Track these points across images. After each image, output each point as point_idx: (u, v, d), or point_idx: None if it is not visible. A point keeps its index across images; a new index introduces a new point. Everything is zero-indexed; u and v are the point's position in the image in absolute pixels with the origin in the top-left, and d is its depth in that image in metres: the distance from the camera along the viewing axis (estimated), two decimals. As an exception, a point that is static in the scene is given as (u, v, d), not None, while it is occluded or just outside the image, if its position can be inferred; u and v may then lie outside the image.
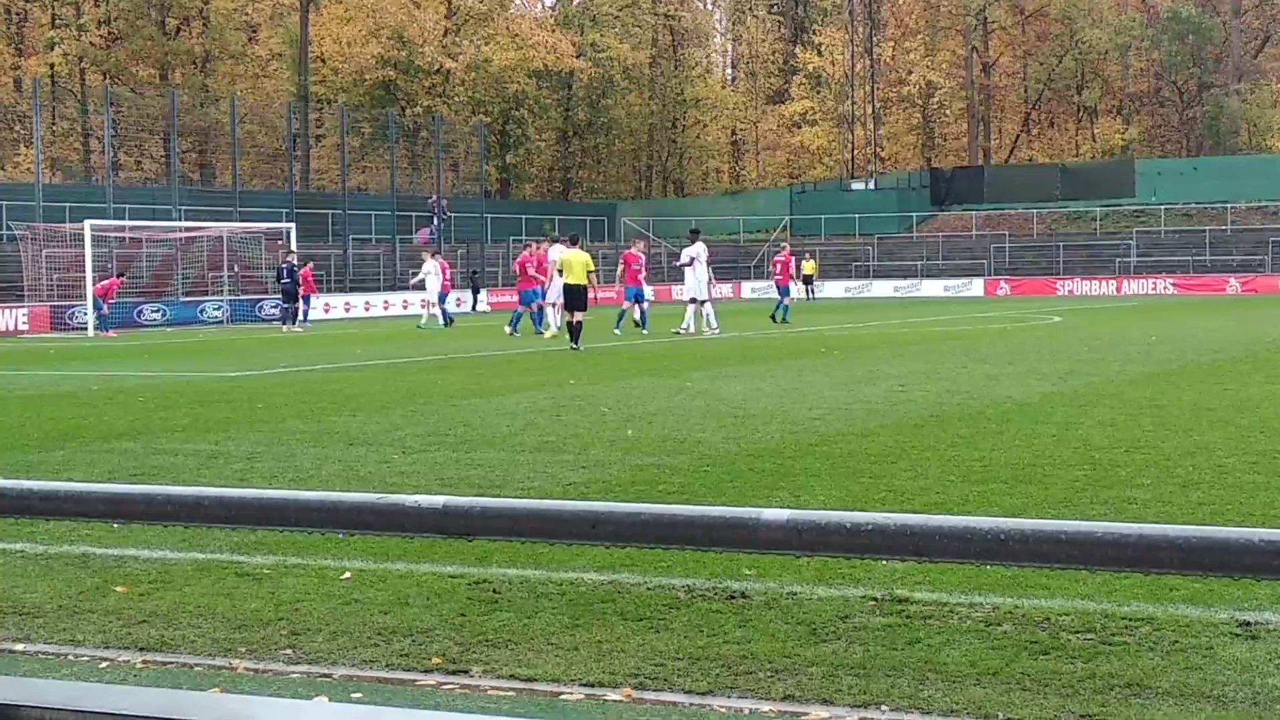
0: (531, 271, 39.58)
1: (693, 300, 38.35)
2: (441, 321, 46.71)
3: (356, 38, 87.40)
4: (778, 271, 46.09)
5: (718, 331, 37.51)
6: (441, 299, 47.47)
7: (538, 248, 40.87)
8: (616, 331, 37.08)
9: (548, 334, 37.68)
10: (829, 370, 24.22)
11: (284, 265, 49.22)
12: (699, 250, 38.50)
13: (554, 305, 38.52)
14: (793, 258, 48.19)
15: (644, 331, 37.84)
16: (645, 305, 39.34)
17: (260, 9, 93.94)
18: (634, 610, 7.67)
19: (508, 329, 38.97)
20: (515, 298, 41.59)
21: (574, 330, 32.13)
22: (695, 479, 12.12)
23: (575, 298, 32.88)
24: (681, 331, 37.33)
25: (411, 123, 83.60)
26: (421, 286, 48.40)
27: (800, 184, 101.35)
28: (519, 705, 6.30)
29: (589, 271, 33.50)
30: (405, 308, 61.51)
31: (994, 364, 24.95)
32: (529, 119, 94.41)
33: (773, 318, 43.76)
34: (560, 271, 34.84)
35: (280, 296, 49.74)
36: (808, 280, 74.08)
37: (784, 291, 45.20)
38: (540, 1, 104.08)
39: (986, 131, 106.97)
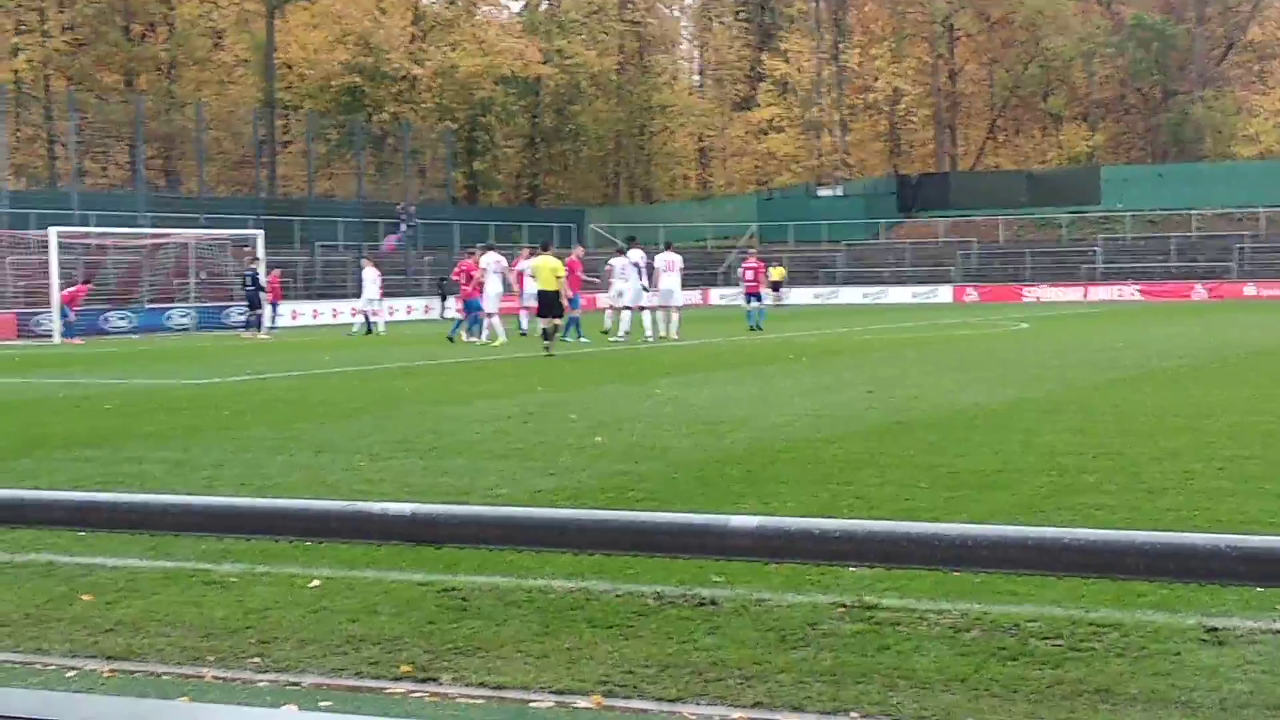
0: (478, 277, 39.43)
1: (639, 307, 38.55)
2: (360, 328, 46.92)
3: (323, 44, 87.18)
4: (750, 279, 45.27)
5: (622, 339, 37.30)
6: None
7: (476, 254, 40.85)
8: (584, 340, 37.04)
9: (471, 339, 37.82)
10: (797, 377, 24.25)
11: (247, 272, 49.25)
12: (639, 256, 38.83)
13: (490, 315, 38.43)
14: (764, 264, 47.62)
15: (581, 340, 37.40)
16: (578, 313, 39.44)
17: (226, 15, 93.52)
18: (603, 617, 7.67)
19: (475, 339, 38.80)
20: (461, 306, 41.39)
21: (547, 334, 32.29)
22: (664, 486, 12.12)
23: (546, 303, 32.93)
24: (649, 338, 37.36)
25: (378, 129, 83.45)
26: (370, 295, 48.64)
27: (768, 190, 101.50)
28: (488, 713, 6.29)
29: (558, 277, 33.48)
30: (374, 315, 61.33)
31: (961, 370, 25.01)
32: (496, 125, 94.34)
33: (758, 326, 43.26)
34: (533, 277, 34.90)
35: (256, 303, 49.58)
36: (776, 286, 74.12)
37: (756, 298, 44.76)
38: (507, 8, 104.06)
39: (953, 138, 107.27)
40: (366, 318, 48.18)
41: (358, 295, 63.11)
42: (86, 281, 49.87)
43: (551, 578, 8.51)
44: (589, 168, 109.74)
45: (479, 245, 44.91)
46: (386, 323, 47.54)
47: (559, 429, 16.53)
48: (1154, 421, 16.15)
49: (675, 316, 39.42)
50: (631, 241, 40.77)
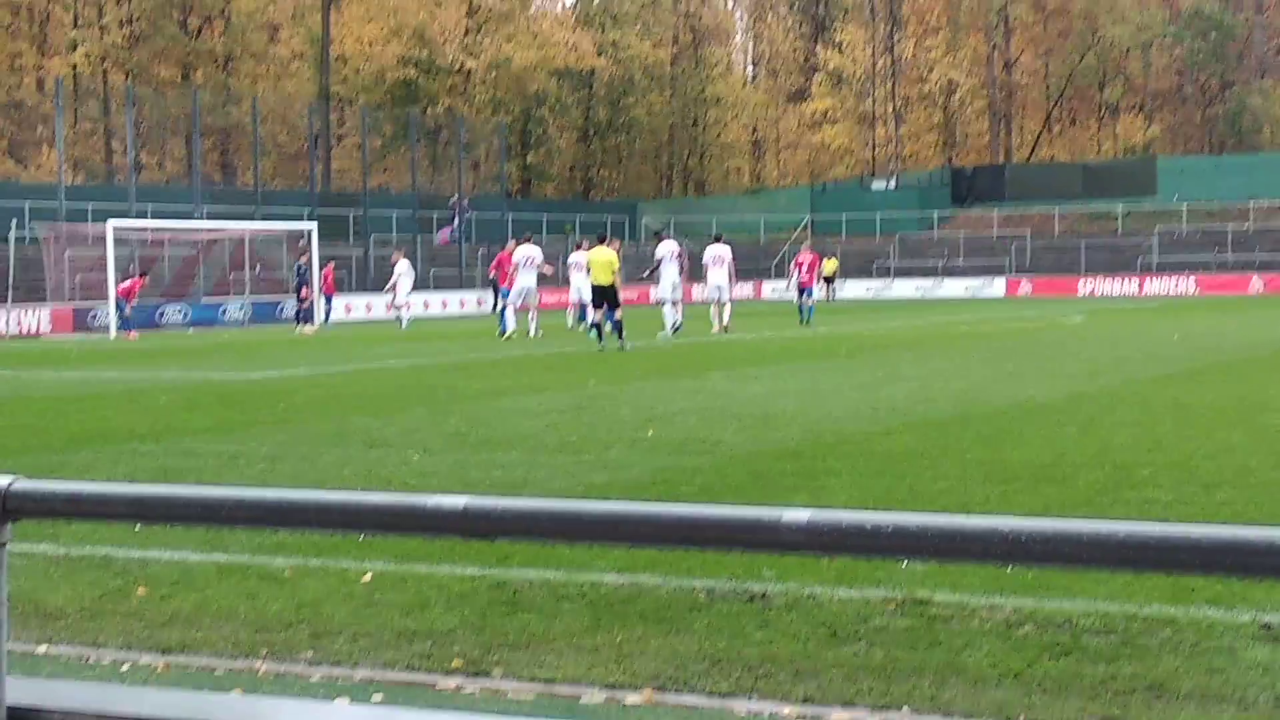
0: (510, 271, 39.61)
1: (658, 301, 38.54)
2: (410, 321, 47.12)
3: (378, 37, 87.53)
4: (804, 272, 44.83)
5: (668, 336, 36.73)
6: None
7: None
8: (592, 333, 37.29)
9: (507, 336, 37.65)
10: (850, 370, 24.20)
11: (296, 265, 49.69)
12: (664, 250, 38.83)
13: (515, 307, 38.45)
14: (819, 258, 46.74)
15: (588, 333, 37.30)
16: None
17: (282, 9, 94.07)
18: (655, 612, 7.67)
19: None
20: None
21: (616, 328, 31.81)
22: (716, 479, 12.11)
23: (602, 296, 32.64)
24: (668, 334, 37.07)
25: (432, 122, 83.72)
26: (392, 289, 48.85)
27: (821, 183, 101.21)
28: (540, 707, 6.31)
29: (615, 270, 33.16)
30: (426, 308, 61.55)
31: (1015, 364, 24.90)
32: (550, 118, 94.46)
33: (806, 323, 42.86)
34: (585, 270, 34.79)
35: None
36: (829, 280, 73.92)
37: (808, 293, 44.33)
38: (561, 0, 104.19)
39: (1008, 130, 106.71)
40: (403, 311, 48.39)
41: (414, 288, 63.53)
42: (142, 275, 50.20)
43: (603, 572, 8.52)
44: (642, 160, 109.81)
45: (525, 236, 44.71)
46: (412, 319, 47.91)
47: (610, 422, 16.54)
48: (1210, 416, 16.03)
49: (726, 310, 39.34)
50: (658, 235, 40.58)
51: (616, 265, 33.26)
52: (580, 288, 38.55)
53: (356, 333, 44.80)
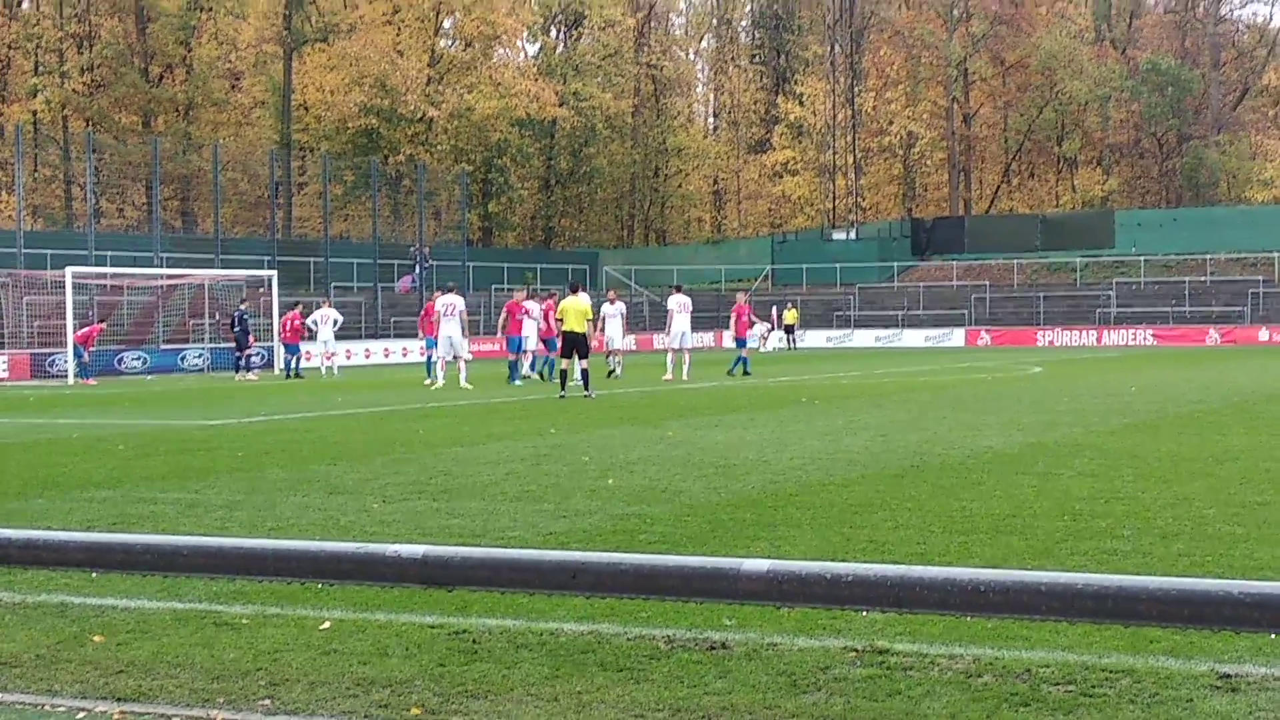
0: (519, 316, 39.99)
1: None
2: (289, 373, 47.39)
3: (339, 86, 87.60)
4: (735, 322, 44.80)
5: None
6: (293, 350, 48.32)
7: (524, 296, 41.85)
8: (518, 383, 37.82)
9: (434, 386, 37.87)
10: (810, 420, 24.22)
11: (236, 313, 49.35)
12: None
13: (442, 357, 38.76)
14: (748, 309, 46.70)
15: (515, 384, 38.44)
16: (524, 355, 40.13)
17: (243, 57, 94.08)
18: (614, 661, 7.65)
19: (517, 381, 38.99)
20: (503, 345, 41.86)
21: (582, 377, 32.09)
22: (676, 529, 12.10)
23: (573, 344, 32.75)
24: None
25: (394, 170, 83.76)
26: (313, 337, 48.98)
27: (782, 233, 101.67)
28: (498, 756, 6.27)
29: (588, 320, 33.36)
30: (386, 356, 61.45)
31: (975, 414, 24.97)
32: (511, 167, 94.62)
33: (729, 372, 42.68)
34: (559, 319, 34.97)
35: (244, 344, 49.53)
36: (789, 329, 74.22)
37: (741, 344, 44.37)
38: (523, 51, 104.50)
39: (967, 182, 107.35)
40: (323, 361, 48.64)
41: (374, 336, 63.45)
42: (101, 322, 49.98)
43: (563, 620, 8.50)
44: (604, 210, 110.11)
45: (448, 285, 44.65)
46: (339, 366, 48.17)
47: (571, 471, 16.52)
48: (1168, 466, 16.10)
49: (687, 358, 39.70)
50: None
51: (590, 315, 33.65)
52: (529, 335, 39.77)
53: (314, 381, 44.67)
